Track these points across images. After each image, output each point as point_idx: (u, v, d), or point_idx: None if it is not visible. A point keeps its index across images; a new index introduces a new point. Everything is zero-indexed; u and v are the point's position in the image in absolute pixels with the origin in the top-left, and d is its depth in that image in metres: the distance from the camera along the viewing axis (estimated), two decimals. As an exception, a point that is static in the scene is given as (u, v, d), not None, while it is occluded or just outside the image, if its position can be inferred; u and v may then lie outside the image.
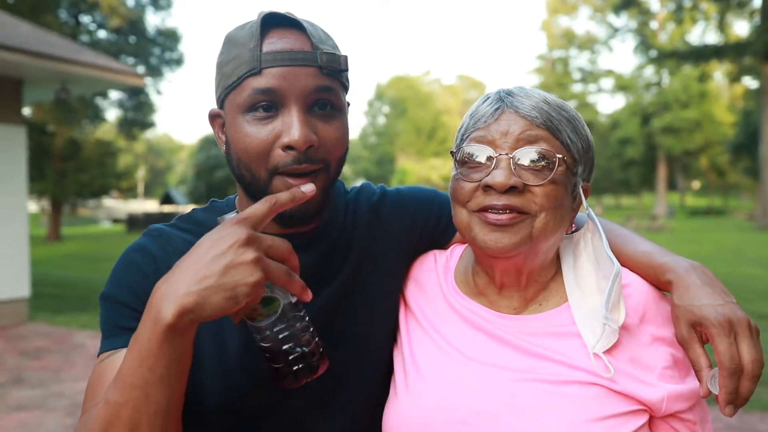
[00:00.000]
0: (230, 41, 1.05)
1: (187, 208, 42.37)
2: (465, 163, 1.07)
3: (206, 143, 37.29)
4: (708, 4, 36.24)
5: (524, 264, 1.08)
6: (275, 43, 1.00)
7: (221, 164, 34.54)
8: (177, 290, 0.79)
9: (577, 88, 62.33)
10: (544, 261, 1.12)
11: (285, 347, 0.90)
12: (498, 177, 1.00)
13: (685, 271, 1.04)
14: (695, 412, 1.05)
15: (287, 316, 0.90)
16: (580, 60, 62.38)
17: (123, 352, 0.98)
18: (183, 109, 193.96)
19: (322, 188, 1.04)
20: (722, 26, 35.57)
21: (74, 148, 27.56)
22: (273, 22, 1.01)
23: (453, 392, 1.06)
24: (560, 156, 1.03)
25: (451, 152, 1.12)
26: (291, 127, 0.98)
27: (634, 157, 52.53)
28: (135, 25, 29.51)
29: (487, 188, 1.02)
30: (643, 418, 1.01)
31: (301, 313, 0.93)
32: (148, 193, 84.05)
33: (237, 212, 0.90)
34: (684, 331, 0.98)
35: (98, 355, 1.03)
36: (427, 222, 1.29)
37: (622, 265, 1.12)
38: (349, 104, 1.13)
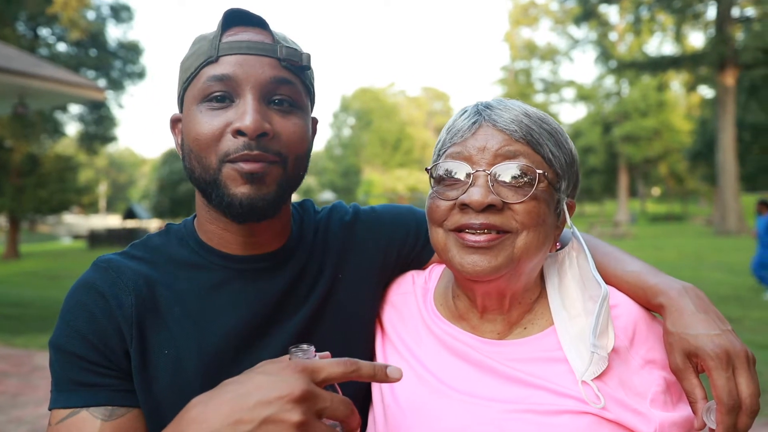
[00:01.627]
0: (194, 42, 1.06)
1: (151, 223, 41.99)
2: (441, 180, 1.03)
3: (170, 157, 36.75)
4: (665, 16, 37.19)
5: (507, 286, 1.04)
6: (236, 35, 1.01)
7: (185, 178, 33.87)
8: (208, 424, 0.71)
9: (539, 98, 63.24)
10: (528, 282, 1.07)
11: None
12: (475, 195, 0.96)
13: (678, 295, 1.00)
14: None
15: None
16: (542, 71, 63.43)
17: (83, 413, 0.93)
18: (145, 123, 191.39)
19: (277, 182, 1.00)
20: (679, 37, 36.56)
21: (33, 163, 26.92)
22: (236, 17, 1.02)
23: (435, 425, 1.01)
24: (541, 172, 0.98)
25: (427, 169, 1.07)
26: (244, 113, 0.97)
27: (596, 166, 53.40)
28: (96, 37, 29.10)
29: (464, 207, 0.98)
30: None
31: None
32: (111, 208, 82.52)
33: (311, 349, 0.81)
34: (678, 361, 0.94)
35: (50, 408, 0.96)
36: (404, 242, 1.25)
37: (609, 284, 1.08)
38: (316, 120, 1.10)
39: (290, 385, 0.72)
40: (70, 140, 38.42)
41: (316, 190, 69.99)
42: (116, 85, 30.44)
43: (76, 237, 48.05)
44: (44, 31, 28.22)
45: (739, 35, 30.61)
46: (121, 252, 1.09)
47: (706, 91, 42.65)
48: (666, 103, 51.23)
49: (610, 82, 54.74)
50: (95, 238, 35.44)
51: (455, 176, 1.01)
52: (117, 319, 0.98)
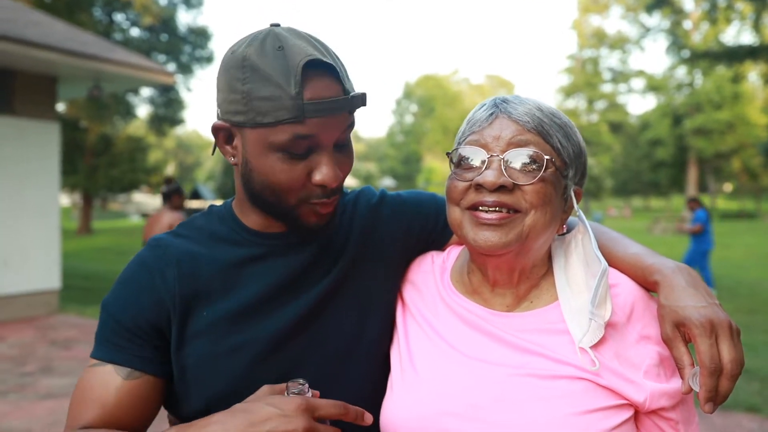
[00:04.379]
0: (257, 71, 1.02)
1: (216, 204, 42.65)
2: (459, 164, 1.14)
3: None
4: (743, 4, 35.40)
5: (516, 261, 1.13)
6: (315, 89, 1.03)
7: (249, 161, 34.72)
8: None
9: (607, 88, 61.38)
10: (536, 259, 1.17)
11: None
12: (488, 176, 1.06)
13: (671, 272, 1.08)
14: (678, 412, 1.08)
15: None
16: (610, 60, 61.40)
17: (109, 367, 1.10)
18: (212, 107, 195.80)
19: (336, 205, 1.15)
20: (758, 26, 34.70)
21: (106, 143, 28.11)
22: (311, 66, 1.03)
23: (446, 386, 1.11)
24: (549, 158, 1.08)
25: (447, 154, 1.18)
26: (325, 167, 1.07)
27: (664, 159, 51.74)
28: (167, 23, 29.90)
29: (479, 187, 1.08)
30: (628, 413, 1.05)
31: None
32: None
33: (305, 385, 0.99)
34: (668, 330, 1.02)
35: (91, 356, 1.14)
36: (425, 223, 1.35)
37: (611, 266, 1.17)
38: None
39: (295, 422, 0.90)
40: (141, 122, 39.74)
41: (377, 176, 70.30)
42: (185, 69, 31.25)
43: (145, 215, 49.87)
44: (119, 17, 29.21)
45: (824, 24, 28.93)
46: (171, 231, 1.24)
47: (785, 84, 40.50)
48: (741, 95, 48.94)
49: (682, 72, 52.60)
50: (162, 217, 36.65)
51: (472, 161, 1.12)
52: (160, 291, 1.13)
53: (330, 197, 1.10)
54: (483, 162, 1.09)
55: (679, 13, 46.30)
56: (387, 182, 63.62)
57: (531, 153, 1.08)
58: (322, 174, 1.06)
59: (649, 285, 1.13)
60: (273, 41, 1.04)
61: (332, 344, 1.19)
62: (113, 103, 25.53)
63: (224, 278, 1.16)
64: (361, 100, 1.09)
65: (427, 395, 1.12)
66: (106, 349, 1.12)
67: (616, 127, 59.03)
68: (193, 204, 42.45)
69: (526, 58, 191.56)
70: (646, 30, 52.32)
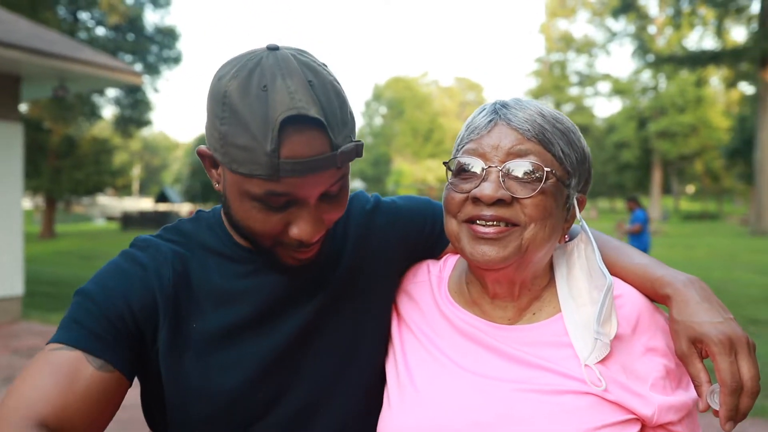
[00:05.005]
0: (235, 115, 0.92)
1: (183, 207, 42.49)
2: (457, 174, 1.09)
3: (203, 142, 37.05)
4: (706, 10, 36.36)
5: (515, 275, 1.09)
6: (293, 147, 0.92)
7: (217, 163, 34.43)
8: None
9: (574, 91, 62.36)
10: (537, 271, 1.13)
11: None
12: (486, 189, 1.02)
13: (684, 286, 1.05)
14: (684, 425, 1.05)
15: None
16: (577, 63, 62.45)
17: (79, 353, 0.95)
18: (179, 108, 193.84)
19: (320, 243, 1.08)
20: (720, 32, 35.70)
21: (70, 145, 27.56)
22: (291, 121, 0.91)
23: (448, 404, 1.07)
24: (549, 169, 1.04)
25: (445, 163, 1.14)
26: (303, 223, 0.99)
27: (630, 161, 52.58)
28: (133, 22, 29.49)
29: (476, 200, 1.04)
30: (636, 427, 1.02)
31: None
32: (144, 191, 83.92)
33: None
34: (684, 347, 1.00)
35: (50, 341, 0.98)
36: (421, 231, 1.30)
37: (616, 276, 1.14)
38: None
39: None
40: (106, 123, 39.09)
41: (346, 178, 69.93)
42: (152, 70, 30.83)
43: (110, 218, 49.05)
44: (84, 15, 28.70)
45: (783, 31, 29.78)
46: (155, 235, 1.14)
47: (746, 88, 41.64)
48: (704, 99, 50.17)
49: (647, 76, 53.72)
50: (128, 220, 36.16)
51: (470, 171, 1.07)
52: (153, 290, 1.04)
53: (308, 248, 1.03)
54: (481, 173, 1.05)
55: (644, 18, 47.32)
56: (356, 184, 63.59)
57: (531, 164, 1.03)
58: (299, 229, 0.99)
59: (658, 298, 1.10)
60: (259, 78, 0.93)
61: (328, 359, 1.13)
62: (78, 104, 25.04)
63: (216, 292, 1.09)
64: (353, 153, 0.98)
65: (427, 412, 1.08)
66: (77, 334, 0.97)
67: (582, 130, 59.31)
68: (160, 207, 41.88)
69: (495, 60, 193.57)
70: (612, 34, 53.42)
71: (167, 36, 31.22)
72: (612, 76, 59.78)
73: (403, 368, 1.16)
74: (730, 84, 39.93)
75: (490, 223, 1.03)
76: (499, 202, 1.02)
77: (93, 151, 29.00)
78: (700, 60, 32.74)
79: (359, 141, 1.00)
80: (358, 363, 1.16)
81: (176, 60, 31.79)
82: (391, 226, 1.27)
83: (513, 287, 1.12)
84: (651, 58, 41.89)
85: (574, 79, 62.31)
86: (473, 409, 1.05)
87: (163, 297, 1.04)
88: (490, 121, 1.08)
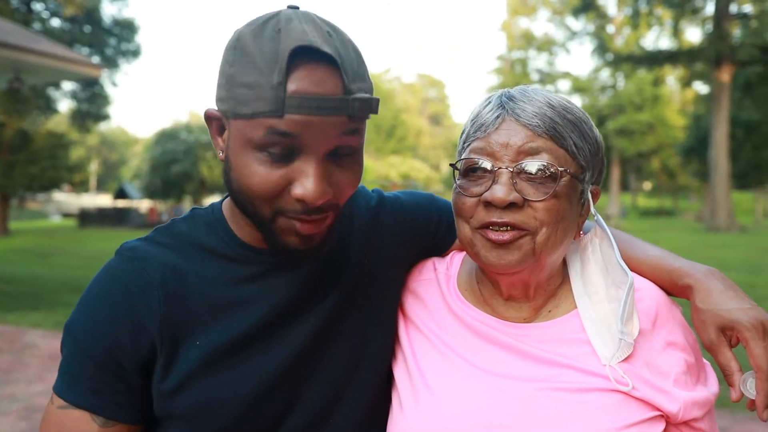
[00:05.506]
0: (245, 55, 0.88)
1: (142, 203, 41.66)
2: (465, 175, 1.04)
3: (162, 137, 36.33)
4: (663, 11, 37.19)
5: (530, 277, 1.06)
6: (303, 82, 0.85)
7: (177, 159, 33.83)
8: None
9: (535, 89, 63.10)
10: (552, 271, 1.10)
11: None
12: (498, 192, 0.97)
13: (705, 276, 1.04)
14: (706, 421, 1.04)
15: None
16: (538, 61, 63.22)
17: (82, 412, 0.96)
18: (138, 102, 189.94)
19: (329, 226, 0.97)
20: (676, 32, 36.61)
21: (24, 139, 26.74)
22: (302, 54, 0.85)
23: (467, 405, 1.03)
24: (563, 168, 0.99)
25: (451, 164, 1.08)
26: (306, 179, 0.88)
27: (589, 158, 53.47)
28: (90, 14, 28.83)
29: (488, 204, 0.99)
30: (662, 425, 1.00)
31: None
32: (101, 187, 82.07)
33: None
34: (713, 336, 0.98)
35: (54, 390, 0.98)
36: (426, 228, 1.25)
37: (630, 269, 1.10)
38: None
39: None
40: (63, 117, 38.09)
41: (309, 174, 69.61)
42: (110, 63, 30.17)
43: (66, 215, 47.82)
44: (38, 6, 27.87)
45: (736, 32, 30.66)
46: (146, 237, 1.05)
47: (701, 87, 42.84)
48: (661, 98, 51.38)
49: (605, 74, 54.77)
50: (86, 217, 35.30)
51: (479, 172, 1.02)
52: (141, 317, 0.97)
53: (311, 215, 0.91)
54: (491, 173, 1.00)
55: (603, 18, 48.21)
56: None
57: (543, 164, 0.98)
58: (302, 187, 0.88)
59: (677, 290, 1.08)
60: (276, 23, 0.88)
61: (338, 364, 1.08)
62: (33, 97, 24.29)
63: (218, 301, 1.00)
64: (369, 104, 0.90)
65: (444, 414, 1.03)
66: (78, 392, 0.96)
67: (543, 127, 60.54)
68: (119, 203, 41.03)
69: (457, 57, 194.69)
70: (572, 33, 54.31)
71: (126, 28, 30.62)
72: (572, 74, 60.66)
73: (415, 369, 1.11)
74: (686, 83, 40.98)
75: (503, 228, 0.99)
76: (510, 206, 0.98)
77: (48, 146, 28.15)
78: (656, 59, 33.51)
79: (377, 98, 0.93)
80: (368, 367, 1.11)
81: (135, 53, 31.22)
82: (397, 222, 1.22)
83: (528, 289, 1.09)
84: (610, 57, 42.73)
85: (534, 76, 63.04)
86: (492, 410, 1.01)
87: (154, 322, 0.97)
88: (497, 116, 1.03)
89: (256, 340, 1.01)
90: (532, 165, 0.98)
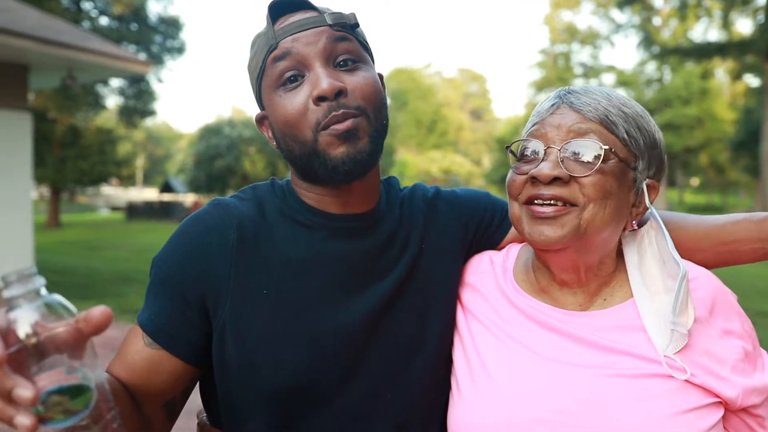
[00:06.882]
0: (252, 43, 1.15)
1: (187, 197, 42.39)
2: (520, 158, 1.10)
3: (206, 132, 36.92)
4: (712, 2, 36.14)
5: (578, 258, 1.08)
6: (285, 20, 1.10)
7: (221, 154, 34.35)
8: None
9: (578, 82, 61.95)
10: (602, 256, 1.12)
11: None
12: (544, 168, 1.03)
13: None
14: (765, 408, 1.05)
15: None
16: (582, 55, 62.03)
17: (139, 329, 1.06)
18: (183, 98, 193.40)
19: (368, 134, 1.06)
20: (726, 24, 35.51)
21: (74, 135, 27.47)
22: (280, 7, 1.10)
23: (528, 391, 1.05)
24: (608, 147, 1.03)
25: (506, 147, 1.14)
26: (317, 80, 1.05)
27: (634, 154, 52.31)
28: (137, 12, 29.37)
29: (535, 180, 1.05)
30: (721, 411, 1.01)
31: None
32: (147, 181, 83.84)
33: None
34: None
35: (141, 311, 1.08)
36: (481, 220, 1.30)
37: (719, 240, 1.13)
38: (381, 76, 1.16)
39: None
40: (111, 113, 39.03)
41: (349, 169, 69.77)
42: (156, 60, 30.68)
43: (114, 209, 49.03)
44: (87, 5, 28.59)
45: (790, 23, 29.61)
46: (234, 195, 1.19)
47: (751, 80, 41.48)
48: (709, 91, 49.88)
49: (651, 68, 53.47)
50: (133, 210, 36.14)
51: (530, 153, 1.08)
52: (215, 256, 1.07)
53: (339, 110, 1.04)
54: (541, 152, 1.05)
55: (649, 10, 46.99)
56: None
57: (590, 143, 1.03)
58: (317, 88, 1.04)
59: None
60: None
61: (397, 341, 1.12)
62: (82, 94, 24.95)
63: (287, 258, 1.09)
64: (339, 16, 1.09)
65: (506, 401, 1.06)
66: (143, 312, 1.09)
67: (587, 122, 59.50)
68: (165, 197, 41.87)
69: (498, 52, 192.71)
70: (617, 26, 53.12)
71: (171, 26, 31.10)
72: (616, 67, 59.40)
73: (475, 357, 1.14)
74: (736, 76, 39.84)
75: (548, 202, 1.03)
76: (557, 181, 1.02)
77: (97, 141, 28.89)
78: (705, 52, 32.60)
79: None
80: (427, 348, 1.15)
81: (180, 50, 31.68)
82: (453, 213, 1.28)
83: (578, 272, 1.11)
84: (656, 49, 41.74)
85: (578, 70, 61.92)
86: (556, 396, 1.03)
87: (226, 264, 1.06)
88: (553, 104, 1.09)
89: (319, 303, 1.08)
90: (579, 143, 1.04)
